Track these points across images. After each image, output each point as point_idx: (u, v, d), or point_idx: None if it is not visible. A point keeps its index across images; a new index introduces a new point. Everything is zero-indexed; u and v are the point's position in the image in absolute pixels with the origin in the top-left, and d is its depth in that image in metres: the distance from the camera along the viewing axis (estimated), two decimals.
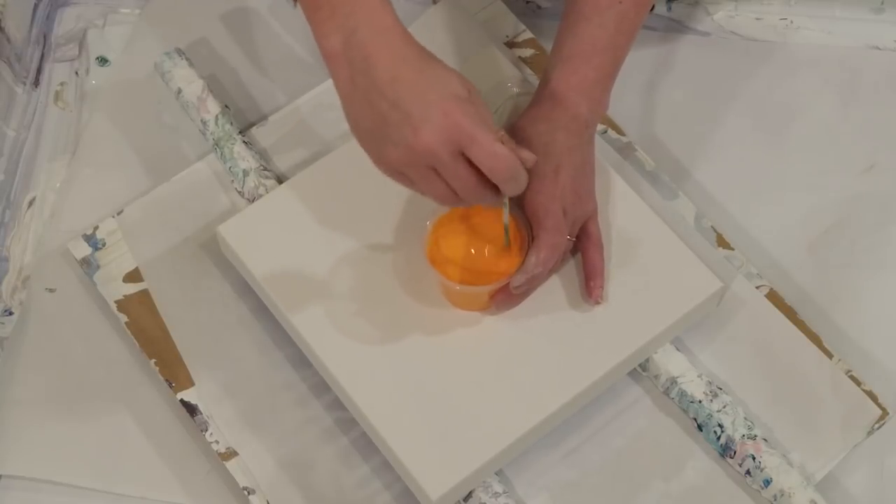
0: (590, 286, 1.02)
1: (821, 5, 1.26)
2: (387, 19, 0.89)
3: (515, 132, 1.01)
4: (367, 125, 0.89)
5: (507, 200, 0.94)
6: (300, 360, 1.06)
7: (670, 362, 1.04)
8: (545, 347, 1.01)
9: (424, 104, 0.86)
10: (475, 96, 0.89)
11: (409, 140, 0.86)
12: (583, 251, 1.03)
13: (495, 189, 0.90)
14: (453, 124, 0.86)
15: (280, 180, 1.13)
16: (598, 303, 1.02)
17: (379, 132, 0.88)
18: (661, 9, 1.26)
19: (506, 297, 1.01)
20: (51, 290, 1.11)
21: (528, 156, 0.90)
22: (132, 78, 1.22)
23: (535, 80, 1.17)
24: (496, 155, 0.87)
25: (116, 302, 1.09)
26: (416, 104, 0.86)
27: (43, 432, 1.05)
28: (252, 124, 1.19)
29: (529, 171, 0.98)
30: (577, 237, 1.03)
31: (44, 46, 1.27)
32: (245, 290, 1.09)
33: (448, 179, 0.88)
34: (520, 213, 1.00)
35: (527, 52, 1.20)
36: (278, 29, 1.25)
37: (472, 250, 1.00)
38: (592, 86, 1.01)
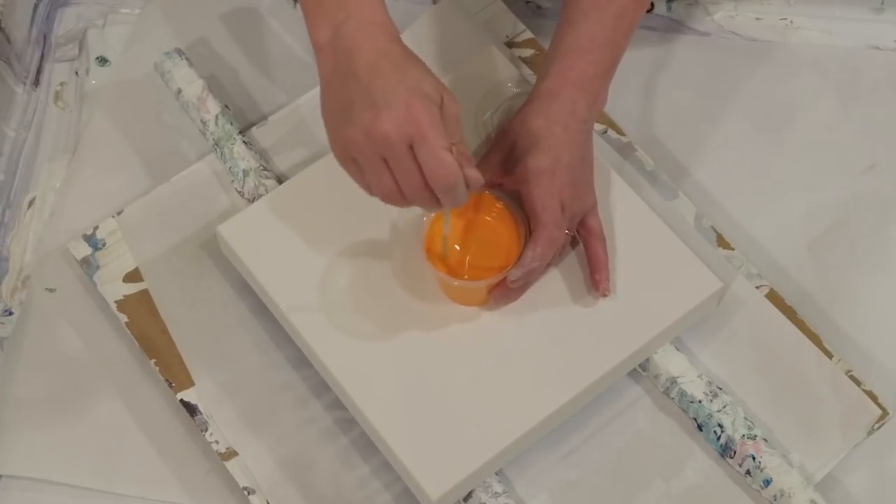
0: (595, 279, 1.02)
1: (821, 5, 1.26)
2: (376, 14, 0.90)
3: (513, 128, 1.02)
4: (335, 107, 0.90)
5: (447, 212, 0.93)
6: (300, 360, 1.06)
7: (670, 362, 1.04)
8: (545, 347, 1.01)
9: (391, 93, 0.87)
10: (450, 105, 0.89)
11: (367, 123, 0.87)
12: (585, 245, 1.03)
13: (437, 198, 0.90)
14: (411, 118, 0.86)
15: (280, 180, 1.13)
16: (605, 295, 1.02)
17: (344, 113, 0.89)
18: (660, 8, 1.26)
19: (503, 291, 1.01)
20: (51, 290, 1.11)
21: (474, 176, 0.89)
22: (132, 78, 1.22)
23: (534, 79, 1.17)
24: (440, 160, 0.87)
25: (116, 302, 1.09)
26: (383, 92, 0.87)
27: (43, 432, 1.05)
28: (252, 124, 1.19)
29: (526, 167, 0.99)
30: (579, 232, 1.03)
31: (44, 46, 1.27)
32: (245, 290, 1.09)
33: (396, 172, 0.89)
34: (517, 207, 1.01)
35: (527, 52, 1.20)
36: (278, 29, 1.25)
37: (470, 245, 1.00)
38: (590, 81, 1.01)
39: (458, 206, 0.90)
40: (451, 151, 0.87)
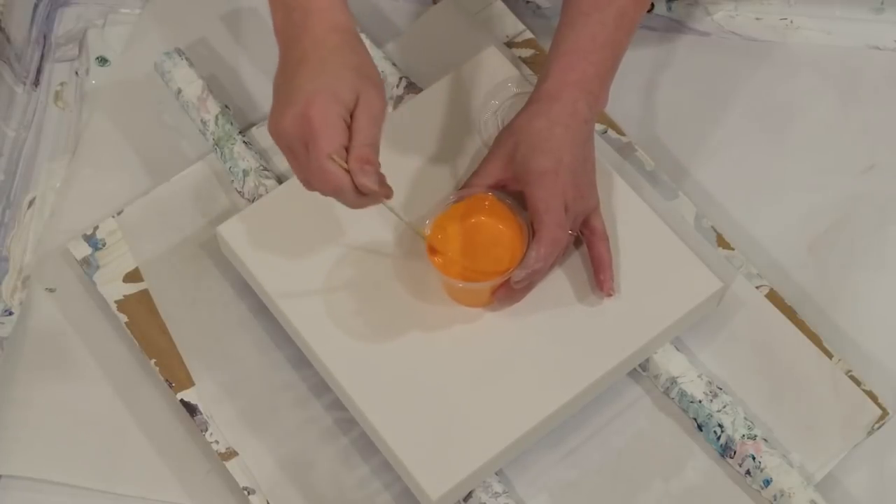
0: (599, 280, 1.02)
1: (821, 5, 1.26)
2: (323, 0, 0.91)
3: (514, 129, 1.02)
4: (274, 96, 0.92)
5: (389, 203, 0.92)
6: (300, 360, 1.06)
7: (670, 362, 1.04)
8: (545, 347, 1.01)
9: (299, 90, 0.88)
10: (370, 105, 0.88)
11: (275, 117, 0.89)
12: (589, 246, 1.03)
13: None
14: (305, 118, 0.87)
15: (280, 180, 1.13)
16: (609, 295, 1.02)
17: (273, 102, 0.91)
18: (660, 8, 1.26)
19: (507, 292, 1.01)
20: (51, 290, 1.11)
21: (366, 185, 0.88)
22: (132, 78, 1.22)
23: (534, 80, 1.17)
24: (319, 168, 0.88)
25: (116, 302, 1.09)
26: (295, 88, 0.88)
27: (43, 432, 1.05)
28: (252, 124, 1.19)
29: (529, 168, 0.99)
30: (582, 232, 1.03)
31: (44, 46, 1.27)
32: (245, 290, 1.09)
33: (296, 166, 0.91)
34: (520, 208, 1.00)
35: (526, 52, 1.20)
36: None
37: (473, 246, 1.00)
38: (591, 81, 1.01)
39: (354, 209, 0.91)
40: (333, 158, 0.87)
